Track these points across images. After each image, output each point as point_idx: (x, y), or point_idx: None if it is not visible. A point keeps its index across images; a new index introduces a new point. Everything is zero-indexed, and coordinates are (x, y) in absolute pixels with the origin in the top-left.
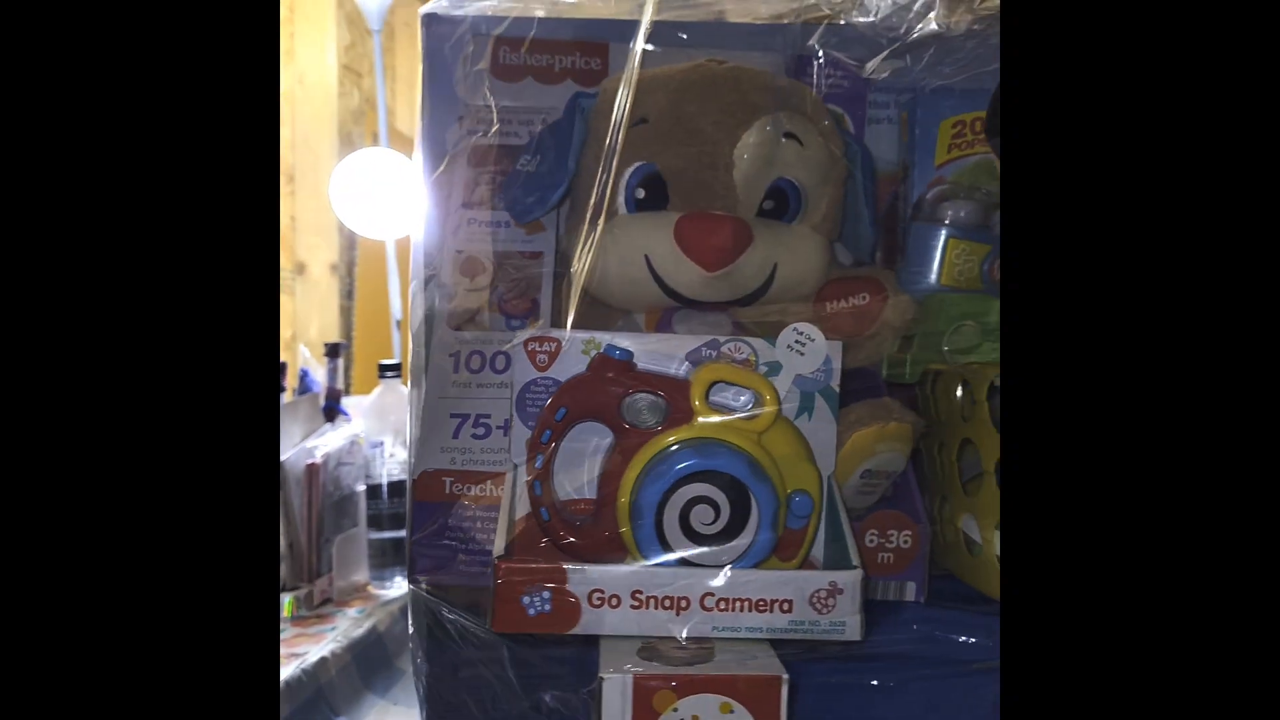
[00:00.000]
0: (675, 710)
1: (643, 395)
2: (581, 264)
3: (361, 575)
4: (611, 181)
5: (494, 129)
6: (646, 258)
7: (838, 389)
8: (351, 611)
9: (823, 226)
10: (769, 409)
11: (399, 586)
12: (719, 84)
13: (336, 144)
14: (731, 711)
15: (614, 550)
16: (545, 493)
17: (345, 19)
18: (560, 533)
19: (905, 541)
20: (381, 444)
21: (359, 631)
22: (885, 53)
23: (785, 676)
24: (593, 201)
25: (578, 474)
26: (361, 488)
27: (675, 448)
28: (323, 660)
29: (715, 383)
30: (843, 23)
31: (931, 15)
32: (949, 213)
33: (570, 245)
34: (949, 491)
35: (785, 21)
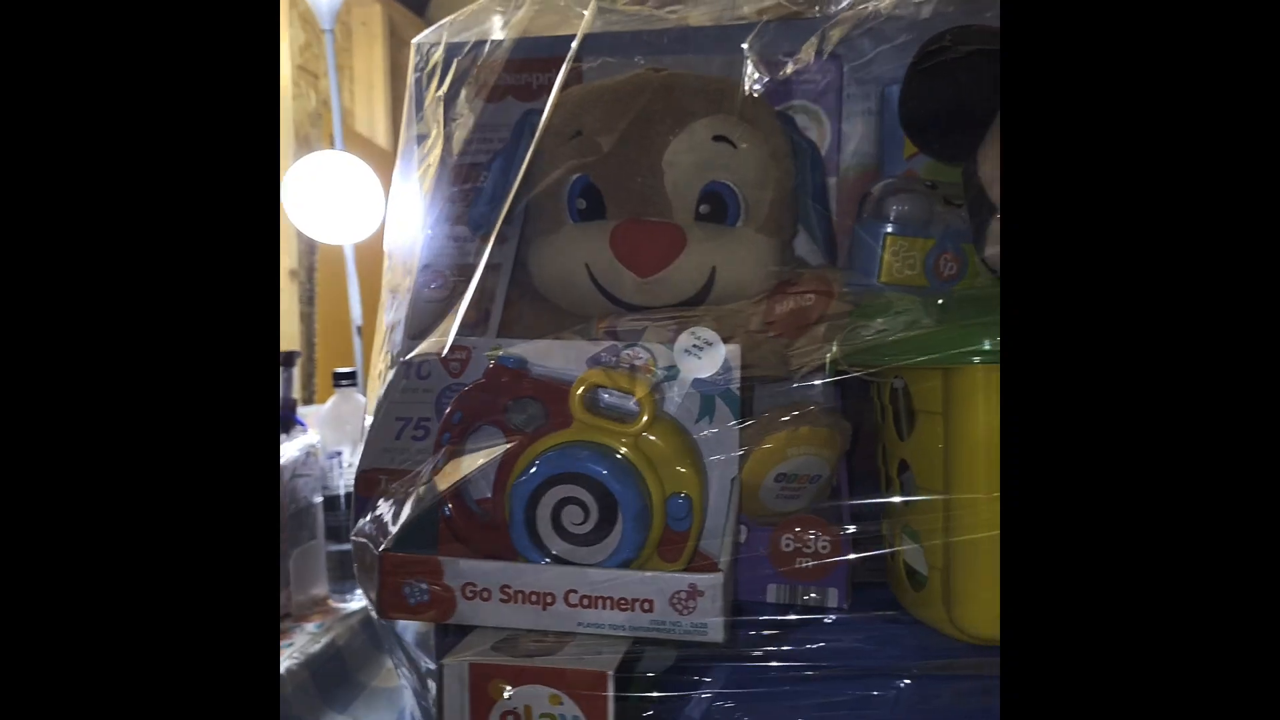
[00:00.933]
0: (508, 699)
1: (524, 401)
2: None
3: (320, 589)
4: (557, 193)
5: (457, 146)
6: (587, 266)
7: (738, 392)
8: (309, 626)
9: (768, 227)
10: (645, 413)
11: (359, 599)
12: (650, 92)
13: (293, 147)
14: (560, 703)
15: (505, 547)
16: (447, 492)
17: (299, 18)
18: (460, 528)
19: (824, 547)
20: (339, 454)
21: (316, 647)
22: (813, 38)
23: (612, 673)
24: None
25: (490, 473)
26: (319, 499)
27: (549, 451)
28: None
29: (595, 387)
30: (808, 16)
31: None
32: (891, 209)
33: (526, 256)
34: (888, 509)
35: (749, 21)
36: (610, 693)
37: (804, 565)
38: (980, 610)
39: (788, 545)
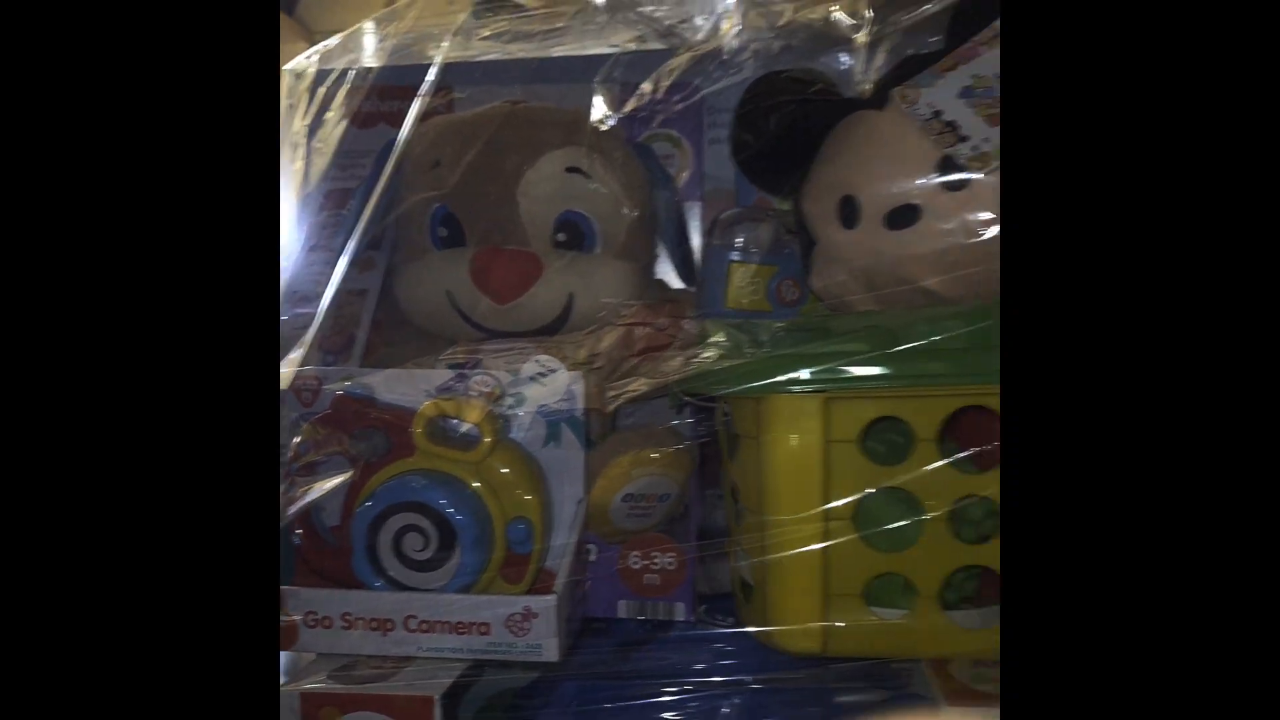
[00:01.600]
0: None
1: (368, 430)
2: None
3: None
4: (419, 222)
5: (326, 172)
6: (448, 293)
7: (582, 417)
8: None
9: (625, 254)
10: (485, 440)
11: None
12: (505, 124)
13: None
14: None
15: (351, 574)
16: (295, 520)
17: None
18: (311, 556)
19: (670, 563)
20: None
21: None
22: (669, 66)
23: (438, 697)
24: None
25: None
26: None
27: (390, 480)
28: None
29: (436, 417)
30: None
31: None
32: (737, 237)
33: (392, 282)
34: (730, 526)
35: (614, 52)
36: (437, 716)
37: (651, 582)
38: (790, 626)
39: (635, 563)
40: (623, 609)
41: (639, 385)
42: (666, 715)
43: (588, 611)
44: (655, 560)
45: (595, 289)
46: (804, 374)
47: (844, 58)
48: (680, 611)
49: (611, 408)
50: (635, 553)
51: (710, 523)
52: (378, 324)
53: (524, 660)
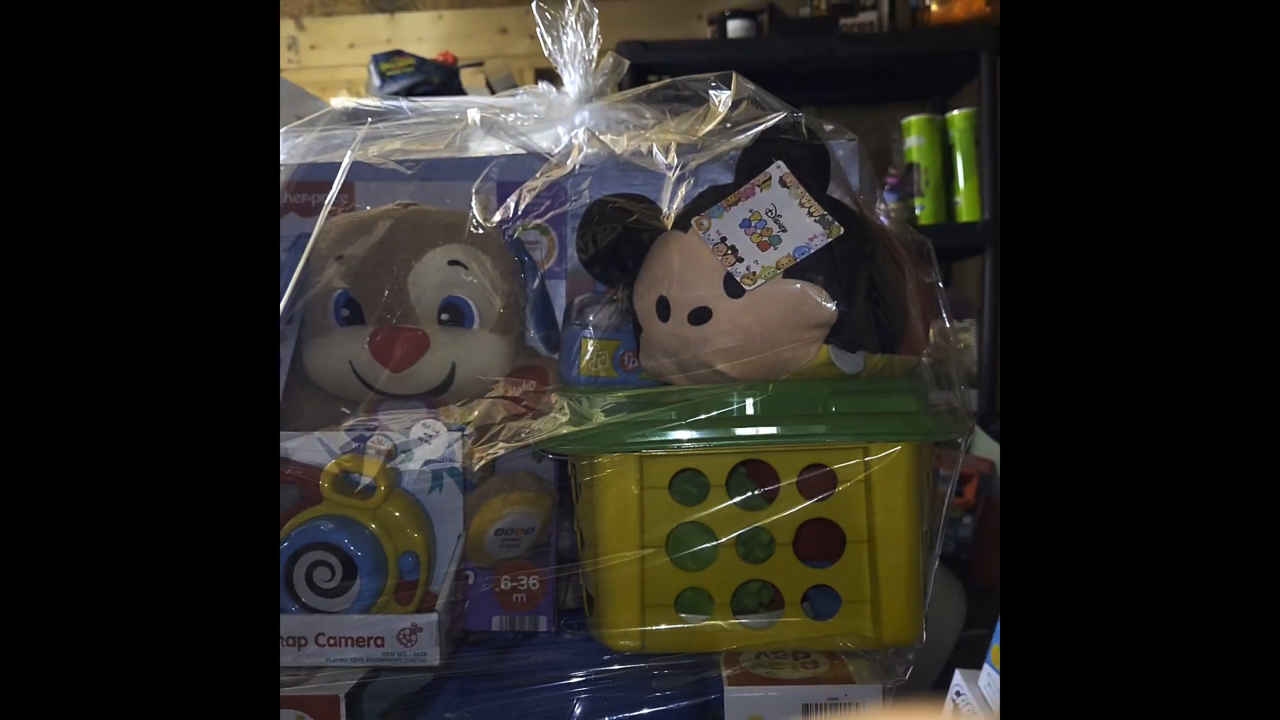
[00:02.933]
0: None
1: (285, 484)
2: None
3: None
4: (325, 304)
5: None
6: (350, 363)
7: (461, 469)
8: None
9: (500, 328)
10: (381, 489)
11: None
12: (398, 224)
13: None
14: None
15: None
16: None
17: None
18: None
19: (534, 584)
20: None
21: None
22: (529, 186)
23: (343, 695)
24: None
25: None
26: None
27: (303, 525)
28: None
29: (340, 472)
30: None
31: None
32: (589, 317)
33: (302, 354)
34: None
35: (491, 156)
36: (343, 711)
37: (519, 600)
38: (617, 631)
39: (506, 584)
40: (496, 623)
41: (499, 449)
42: (532, 703)
43: (467, 626)
44: (522, 582)
45: (474, 359)
46: (625, 439)
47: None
48: (543, 624)
49: (477, 467)
50: (506, 576)
51: (569, 546)
52: (290, 388)
53: (412, 666)
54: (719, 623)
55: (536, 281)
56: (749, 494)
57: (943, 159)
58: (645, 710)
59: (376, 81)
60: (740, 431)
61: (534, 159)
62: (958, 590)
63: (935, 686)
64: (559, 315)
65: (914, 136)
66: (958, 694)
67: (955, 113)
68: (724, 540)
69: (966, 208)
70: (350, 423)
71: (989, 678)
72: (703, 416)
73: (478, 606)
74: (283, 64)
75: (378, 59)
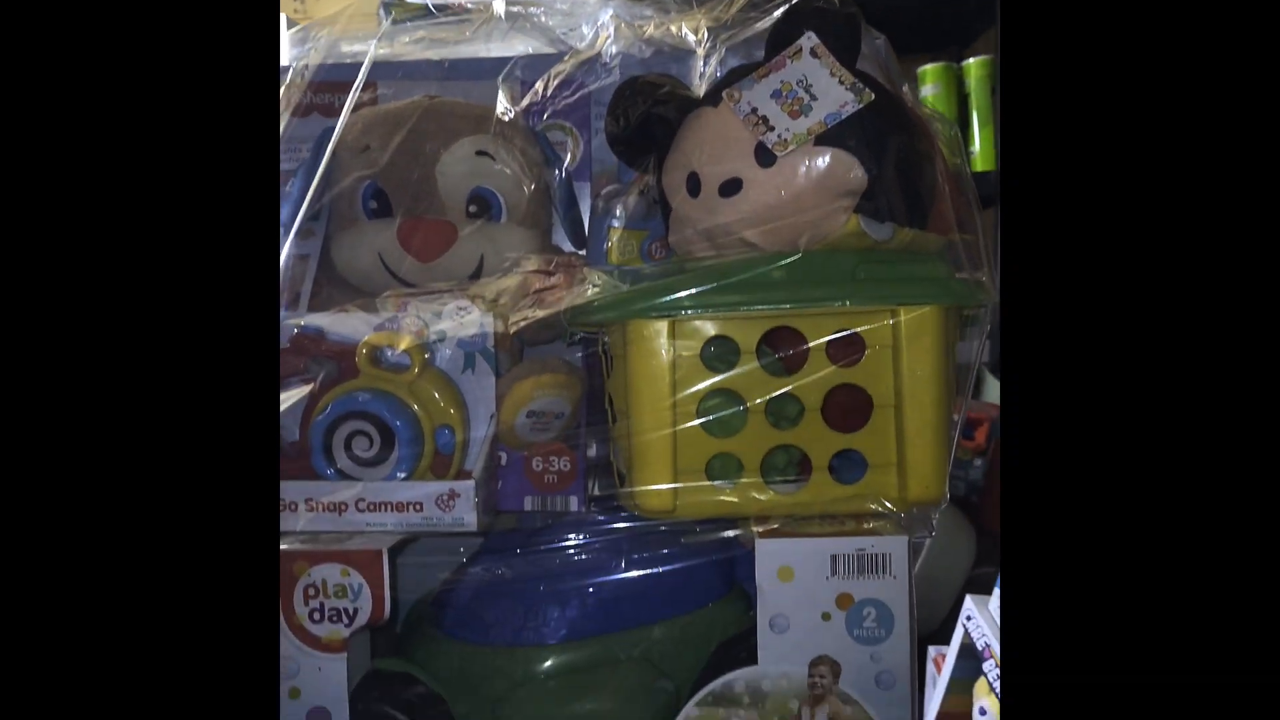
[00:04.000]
0: (309, 576)
1: (321, 359)
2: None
3: None
4: (352, 196)
5: None
6: (379, 255)
7: (493, 349)
8: None
9: (527, 222)
10: (415, 365)
11: None
12: (425, 115)
13: None
14: (349, 575)
15: (309, 472)
16: None
17: None
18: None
19: (565, 466)
20: None
21: None
22: (555, 70)
23: (385, 549)
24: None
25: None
26: None
27: (341, 396)
28: None
29: (376, 347)
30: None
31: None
32: (616, 207)
33: (330, 248)
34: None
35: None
36: (385, 563)
37: (550, 480)
38: (649, 492)
39: (538, 466)
40: (528, 503)
41: (535, 313)
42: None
43: (499, 506)
44: (553, 463)
45: (502, 251)
46: (656, 301)
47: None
48: (574, 504)
49: (514, 329)
50: (538, 458)
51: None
52: (319, 283)
53: (451, 531)
54: (749, 488)
55: (563, 174)
56: (778, 356)
57: (959, 108)
58: (673, 565)
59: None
60: (770, 296)
61: (560, 59)
62: (968, 531)
63: (945, 626)
64: (585, 217)
65: (929, 85)
66: (968, 618)
67: (971, 60)
68: (754, 404)
69: (982, 157)
70: (385, 296)
71: (998, 601)
72: (734, 279)
73: (510, 487)
74: (290, 13)
75: (386, 4)
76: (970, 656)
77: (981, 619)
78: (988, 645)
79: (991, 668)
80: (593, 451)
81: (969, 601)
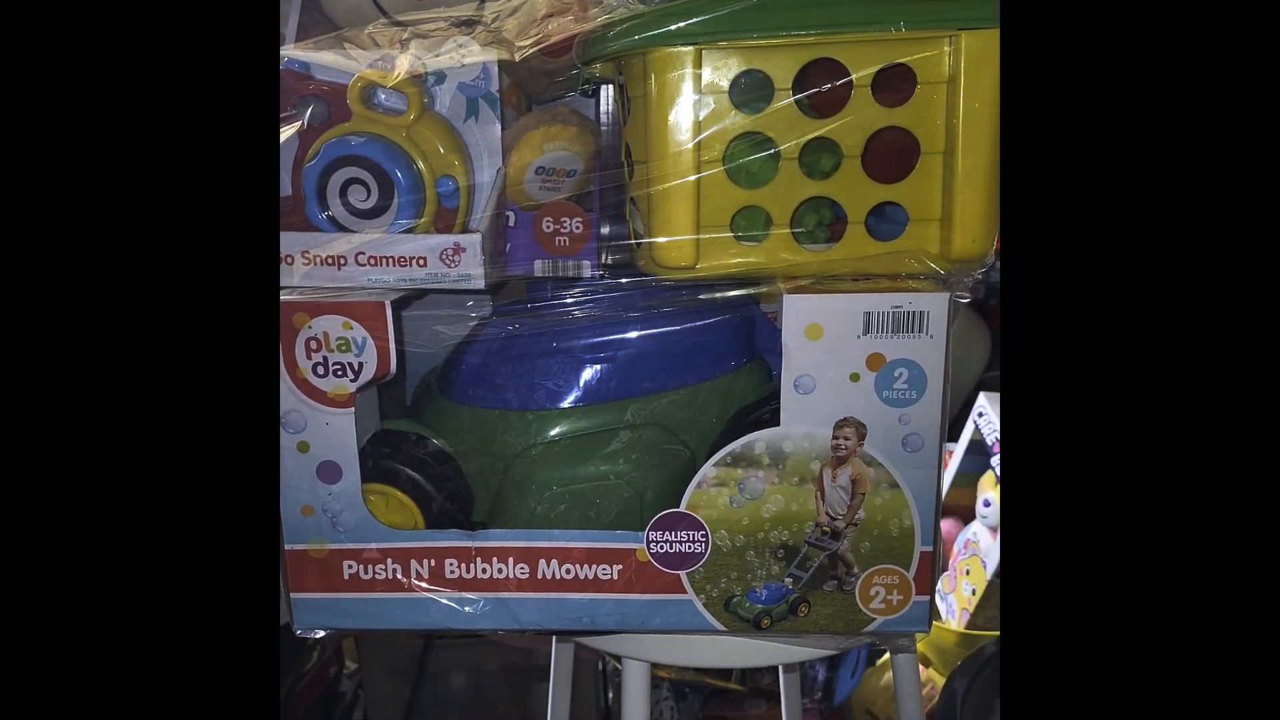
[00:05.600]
0: (310, 327)
1: (308, 99)
2: None
3: None
4: None
5: None
6: None
7: (498, 94)
8: None
9: None
10: (412, 107)
11: None
12: None
13: None
14: (351, 328)
15: (303, 224)
16: None
17: None
18: None
19: (577, 228)
20: None
21: None
22: None
23: (388, 301)
24: None
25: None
26: None
27: (332, 140)
28: None
29: (369, 85)
30: None
31: None
32: None
33: None
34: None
35: None
36: (389, 315)
37: (561, 243)
38: (668, 244)
39: (548, 227)
40: (538, 268)
41: (548, 38)
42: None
43: (508, 269)
44: (565, 225)
45: None
46: (680, 25)
47: None
48: (586, 269)
49: (520, 56)
50: (548, 218)
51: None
52: (302, 28)
53: (456, 288)
54: (777, 243)
55: None
56: (819, 90)
57: None
58: (692, 325)
59: None
60: (814, 16)
61: None
62: (984, 331)
63: (954, 425)
64: None
65: None
66: (980, 414)
67: None
68: (786, 149)
69: None
70: (377, 24)
71: None
72: None
73: (518, 249)
74: None
75: None
76: (979, 452)
77: (993, 415)
78: (998, 440)
79: (1000, 461)
80: (606, 229)
81: (982, 397)
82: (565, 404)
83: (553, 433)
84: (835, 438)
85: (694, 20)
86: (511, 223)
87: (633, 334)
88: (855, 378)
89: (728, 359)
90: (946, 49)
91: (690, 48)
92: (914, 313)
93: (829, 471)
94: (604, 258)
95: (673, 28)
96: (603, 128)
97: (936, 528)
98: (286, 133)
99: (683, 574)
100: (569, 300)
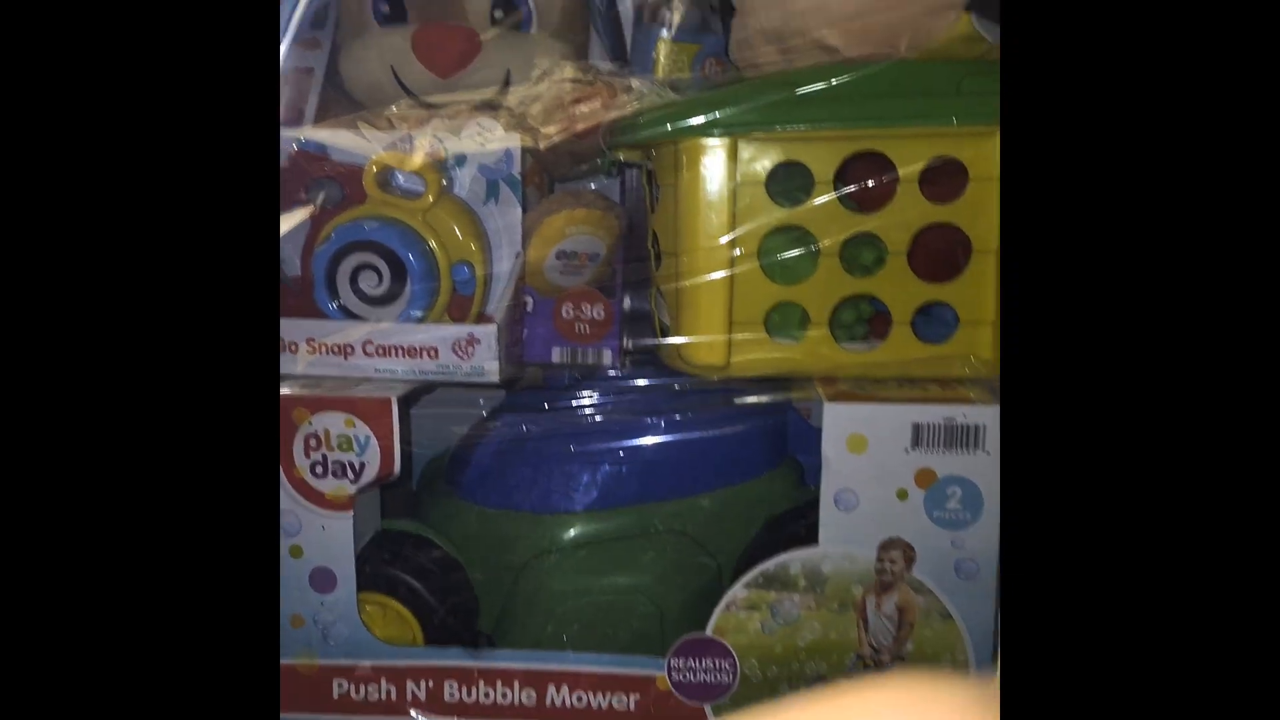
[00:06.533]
0: (310, 424)
1: (323, 181)
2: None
3: None
4: None
5: None
6: (392, 69)
7: (520, 177)
8: None
9: (560, 33)
10: (430, 191)
11: None
12: None
13: None
14: (354, 425)
15: (311, 309)
16: None
17: None
18: None
19: (599, 314)
20: None
21: None
22: None
23: (395, 398)
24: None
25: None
26: None
27: (345, 223)
28: None
29: (386, 168)
30: None
31: None
32: (665, 16)
33: (338, 62)
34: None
35: None
36: (395, 414)
37: (581, 330)
38: (698, 344)
39: (568, 314)
40: (556, 355)
41: (574, 124)
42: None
43: (525, 356)
44: (585, 310)
45: (530, 65)
46: (715, 115)
47: None
48: (607, 357)
49: (545, 145)
50: (568, 304)
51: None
52: (324, 102)
53: (468, 382)
54: (815, 343)
55: None
56: (863, 186)
57: None
58: (721, 430)
59: None
60: (858, 111)
61: None
62: None
63: None
64: (627, 27)
65: None
66: None
67: None
68: (826, 245)
69: None
70: (397, 106)
71: None
72: (812, 88)
73: (536, 336)
74: None
75: None
76: None
77: None
78: None
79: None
80: (628, 304)
81: None
82: (582, 507)
83: (568, 537)
84: (880, 560)
85: (729, 111)
86: (530, 308)
87: (657, 431)
88: (903, 495)
89: (759, 462)
90: (998, 146)
91: (725, 138)
92: (968, 426)
93: (873, 598)
94: (625, 342)
95: (708, 118)
96: (625, 206)
97: (995, 665)
98: (298, 217)
99: (707, 707)
100: (588, 403)
